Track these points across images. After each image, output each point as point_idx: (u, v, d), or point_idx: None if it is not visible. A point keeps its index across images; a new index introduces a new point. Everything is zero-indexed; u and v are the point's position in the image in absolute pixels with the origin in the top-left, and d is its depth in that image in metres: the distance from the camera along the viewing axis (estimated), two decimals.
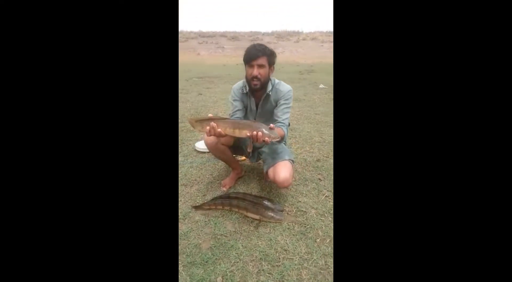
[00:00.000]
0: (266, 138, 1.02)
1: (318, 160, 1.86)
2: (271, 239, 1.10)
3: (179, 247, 1.06)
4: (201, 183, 1.58)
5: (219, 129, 1.05)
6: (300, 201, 1.38)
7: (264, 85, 1.30)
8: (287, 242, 1.09)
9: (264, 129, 1.03)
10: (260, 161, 1.71)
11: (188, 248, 1.07)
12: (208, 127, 1.06)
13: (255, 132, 1.02)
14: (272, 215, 1.20)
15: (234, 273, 0.95)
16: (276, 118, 1.34)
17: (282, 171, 1.26)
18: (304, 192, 1.46)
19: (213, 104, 3.52)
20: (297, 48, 14.67)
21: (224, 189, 1.50)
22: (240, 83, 1.40)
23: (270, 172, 1.31)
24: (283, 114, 1.34)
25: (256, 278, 0.93)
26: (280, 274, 0.94)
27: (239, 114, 1.39)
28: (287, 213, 1.28)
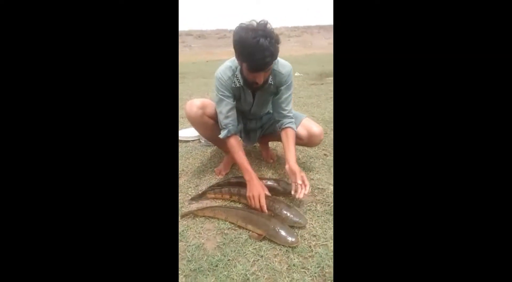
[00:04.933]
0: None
1: None
2: (292, 225, 0.87)
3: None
4: (190, 173, 1.30)
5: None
6: (313, 179, 1.16)
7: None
8: (314, 225, 0.87)
9: (288, 213, 0.89)
10: (257, 144, 1.47)
11: (189, 251, 0.80)
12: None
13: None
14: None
15: (257, 275, 0.71)
16: (281, 111, 1.10)
17: (313, 124, 1.16)
18: (315, 169, 1.25)
19: (189, 97, 3.21)
20: None
21: (220, 176, 1.24)
22: (226, 70, 1.04)
23: (300, 131, 1.16)
24: (288, 104, 1.11)
25: (288, 276, 0.69)
26: (318, 266, 0.71)
27: (231, 116, 1.08)
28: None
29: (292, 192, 0.96)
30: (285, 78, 1.06)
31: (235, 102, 1.09)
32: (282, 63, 1.06)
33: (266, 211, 0.93)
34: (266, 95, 1.12)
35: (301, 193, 0.93)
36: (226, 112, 1.06)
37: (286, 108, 1.10)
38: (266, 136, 1.34)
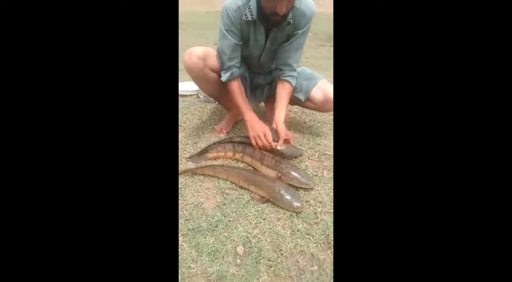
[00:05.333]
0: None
1: None
2: (298, 190, 0.82)
3: None
4: (188, 129, 1.21)
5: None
6: (319, 144, 1.10)
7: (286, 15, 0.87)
8: (320, 192, 0.82)
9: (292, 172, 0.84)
10: (262, 104, 1.36)
11: (187, 210, 0.75)
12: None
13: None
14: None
15: (259, 237, 0.67)
16: (287, 58, 0.97)
17: (331, 88, 1.03)
18: (322, 134, 1.18)
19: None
20: None
21: (221, 135, 1.16)
22: (236, 0, 0.88)
23: (315, 93, 1.05)
24: (296, 52, 0.97)
25: (292, 241, 0.66)
26: (323, 233, 0.68)
27: (236, 58, 0.95)
28: (308, 158, 1.00)
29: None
30: (306, 21, 0.92)
31: (241, 43, 0.96)
32: (306, 2, 0.90)
33: (274, 146, 0.92)
34: (281, 36, 0.96)
35: (280, 143, 0.92)
36: (230, 53, 0.94)
37: (294, 56, 0.98)
38: (274, 96, 1.23)
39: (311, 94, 1.06)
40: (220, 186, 0.85)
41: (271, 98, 1.26)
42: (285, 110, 0.99)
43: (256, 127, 0.94)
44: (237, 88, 0.99)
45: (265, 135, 0.92)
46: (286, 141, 0.96)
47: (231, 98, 1.02)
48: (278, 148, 0.93)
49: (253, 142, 0.94)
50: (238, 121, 1.26)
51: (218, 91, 1.10)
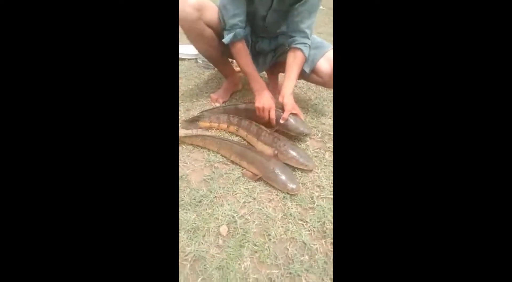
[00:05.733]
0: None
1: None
2: (295, 171, 0.74)
3: None
4: (182, 95, 1.10)
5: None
6: (324, 123, 1.00)
7: None
8: (319, 175, 0.74)
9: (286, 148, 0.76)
10: (264, 73, 1.24)
11: None
12: None
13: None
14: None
15: (246, 218, 0.60)
16: (300, 24, 0.85)
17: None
18: (328, 113, 1.08)
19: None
20: None
21: (216, 104, 1.05)
22: None
23: (322, 65, 0.93)
24: (310, 17, 0.85)
25: (283, 226, 0.59)
26: (319, 221, 0.61)
27: (240, 15, 0.83)
28: (310, 137, 0.91)
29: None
30: None
31: (244, 14, 0.84)
32: None
33: (274, 123, 0.84)
34: (285, 5, 0.84)
35: (284, 117, 0.83)
36: (234, 9, 0.81)
37: (307, 21, 0.85)
38: (278, 66, 1.11)
39: (317, 66, 0.93)
40: (210, 158, 0.76)
41: (275, 68, 1.15)
42: (294, 82, 0.88)
43: (263, 99, 0.86)
44: (242, 50, 0.88)
45: (269, 110, 0.84)
46: (295, 115, 0.86)
47: (237, 61, 0.91)
48: (281, 121, 0.83)
49: (258, 112, 0.86)
50: (236, 92, 1.15)
51: (215, 53, 0.98)
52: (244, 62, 0.89)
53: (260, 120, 0.86)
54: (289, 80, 0.87)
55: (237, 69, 1.19)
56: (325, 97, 1.21)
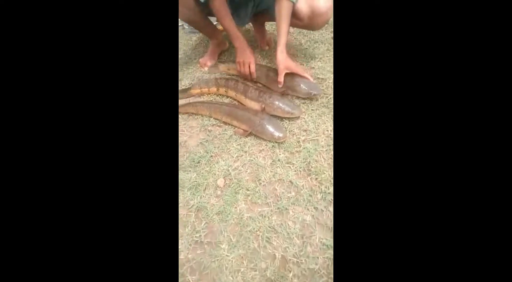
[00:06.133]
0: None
1: None
2: (282, 120, 0.78)
3: None
4: None
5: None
6: (314, 67, 0.98)
7: None
8: (306, 120, 0.77)
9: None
10: (248, 25, 1.19)
11: None
12: None
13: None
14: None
15: (239, 170, 0.68)
16: None
17: None
18: (317, 56, 1.04)
19: None
20: None
21: (205, 68, 1.07)
22: None
23: (300, 7, 0.86)
24: None
25: (271, 171, 0.66)
26: (304, 161, 0.66)
27: None
28: None
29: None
30: None
31: None
32: None
33: (255, 77, 0.91)
34: None
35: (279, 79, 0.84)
36: None
37: None
38: (261, 15, 1.06)
39: (295, 9, 0.88)
40: (204, 123, 0.83)
41: (258, 18, 1.10)
42: (285, 36, 0.84)
43: (243, 54, 0.90)
44: (221, 7, 0.87)
45: (249, 64, 0.88)
46: (305, 77, 0.83)
47: (218, 19, 0.91)
48: (279, 86, 0.84)
49: (239, 68, 0.91)
50: (224, 51, 1.14)
51: (194, 16, 0.96)
52: (224, 19, 0.88)
53: (243, 76, 0.90)
54: (279, 36, 0.84)
55: (220, 28, 1.16)
56: (316, 39, 1.16)
